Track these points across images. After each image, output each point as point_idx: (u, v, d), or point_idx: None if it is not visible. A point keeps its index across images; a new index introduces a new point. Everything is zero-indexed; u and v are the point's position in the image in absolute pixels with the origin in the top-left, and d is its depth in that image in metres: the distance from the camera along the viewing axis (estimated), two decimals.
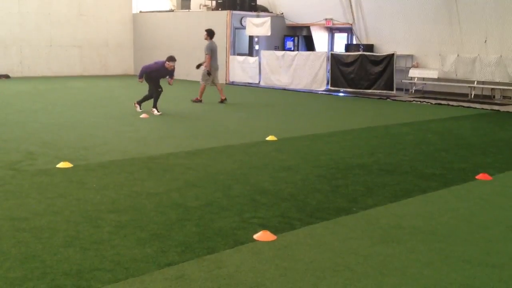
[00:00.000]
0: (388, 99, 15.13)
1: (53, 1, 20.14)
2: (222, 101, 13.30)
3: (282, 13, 20.16)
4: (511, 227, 4.58)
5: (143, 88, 11.50)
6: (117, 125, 9.54)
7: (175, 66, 11.42)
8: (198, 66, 13.56)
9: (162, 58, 11.81)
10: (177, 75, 20.40)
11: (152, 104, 11.12)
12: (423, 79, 16.30)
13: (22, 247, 3.87)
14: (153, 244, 3.99)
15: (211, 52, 13.14)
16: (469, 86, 15.31)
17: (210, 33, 13.37)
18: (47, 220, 4.48)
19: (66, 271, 3.49)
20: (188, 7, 21.38)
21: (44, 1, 19.91)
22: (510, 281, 3.53)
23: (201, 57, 20.17)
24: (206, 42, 13.47)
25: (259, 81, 18.14)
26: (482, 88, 15.31)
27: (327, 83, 16.70)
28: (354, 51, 16.92)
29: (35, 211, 4.69)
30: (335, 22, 18.72)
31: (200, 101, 13.31)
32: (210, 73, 13.16)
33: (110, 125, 9.56)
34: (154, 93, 11.16)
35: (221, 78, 19.10)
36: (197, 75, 20.08)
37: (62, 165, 6.34)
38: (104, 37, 21.64)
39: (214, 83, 13.37)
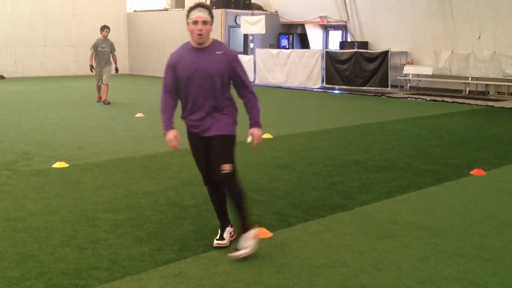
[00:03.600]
0: (383, 96, 15.17)
1: (47, 1, 20.09)
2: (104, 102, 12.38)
3: (276, 11, 20.18)
4: (505, 222, 4.62)
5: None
6: (112, 125, 9.54)
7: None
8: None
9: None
10: None
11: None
12: (418, 75, 16.37)
13: (19, 247, 3.88)
14: (150, 242, 4.01)
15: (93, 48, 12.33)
16: (463, 82, 15.39)
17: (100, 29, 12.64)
18: (43, 220, 4.49)
19: (63, 271, 3.50)
20: (183, 6, 21.37)
21: (38, 1, 19.86)
22: (504, 275, 3.57)
23: None
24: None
25: (254, 79, 18.15)
26: (477, 84, 15.38)
27: (322, 81, 16.73)
28: (349, 48, 16.96)
29: (32, 211, 4.70)
30: (330, 19, 18.75)
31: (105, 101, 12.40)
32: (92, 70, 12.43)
33: (105, 124, 9.56)
34: None
35: None
36: None
37: (58, 165, 6.35)
38: (99, 37, 21.59)
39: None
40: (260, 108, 3.96)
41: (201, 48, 3.76)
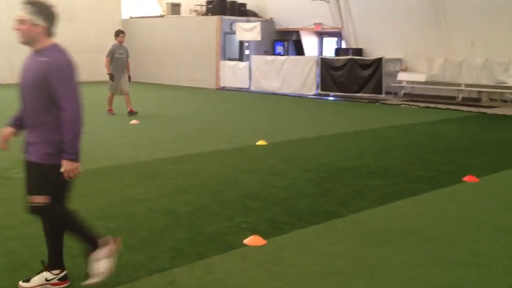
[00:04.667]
0: (377, 103, 15.22)
1: None
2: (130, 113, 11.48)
3: (272, 18, 20.24)
4: (498, 228, 4.64)
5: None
6: (107, 131, 9.52)
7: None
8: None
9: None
10: (168, 80, 20.49)
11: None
12: (412, 82, 16.43)
13: (10, 256, 3.86)
14: (143, 250, 4.00)
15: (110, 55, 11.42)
16: (456, 89, 15.46)
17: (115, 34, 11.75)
18: (35, 228, 4.44)
19: None
20: (178, 13, 21.40)
21: None
22: (497, 281, 3.57)
23: (192, 61, 20.30)
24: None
25: (250, 86, 18.18)
26: (470, 91, 15.45)
27: (317, 87, 16.77)
28: (343, 55, 17.01)
29: (24, 219, 4.66)
30: (325, 26, 18.82)
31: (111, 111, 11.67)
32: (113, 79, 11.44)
33: (99, 131, 9.53)
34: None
35: (211, 83, 19.18)
36: (188, 80, 20.16)
37: None
38: (94, 43, 21.57)
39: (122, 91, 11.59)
40: (77, 133, 3.37)
41: (36, 52, 3.27)
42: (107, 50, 11.51)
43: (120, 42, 11.52)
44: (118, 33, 11.66)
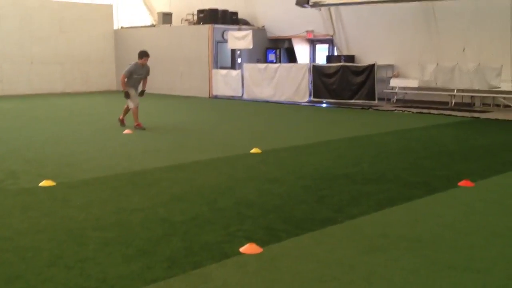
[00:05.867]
0: (370, 109, 15.27)
1: (34, 18, 20.04)
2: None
3: (263, 26, 20.32)
4: (495, 233, 4.64)
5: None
6: (100, 141, 9.48)
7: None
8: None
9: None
10: (160, 89, 20.47)
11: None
12: (404, 88, 16.52)
13: (5, 267, 3.81)
14: (138, 260, 3.97)
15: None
16: (449, 94, 15.55)
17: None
18: (30, 239, 4.42)
19: None
20: (170, 22, 21.43)
21: (25, 18, 19.80)
22: (494, 286, 3.57)
23: (184, 70, 20.30)
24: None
25: (242, 94, 18.20)
26: (462, 96, 15.55)
27: (310, 95, 16.81)
28: (336, 62, 17.08)
29: (18, 231, 4.63)
30: (316, 34, 18.92)
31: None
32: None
33: (93, 141, 9.49)
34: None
35: (204, 92, 19.18)
36: (180, 90, 20.15)
37: (45, 183, 6.27)
38: (86, 54, 21.55)
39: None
40: None
41: None
42: (125, 68, 10.97)
43: (143, 64, 10.95)
44: (142, 56, 10.95)
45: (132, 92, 11.00)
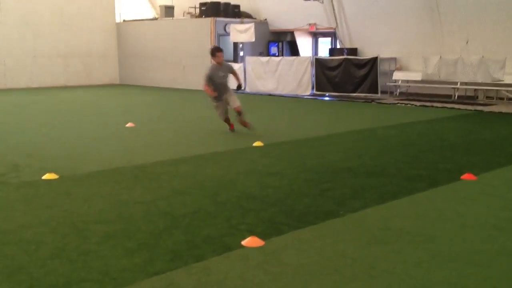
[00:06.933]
0: (373, 102, 15.24)
1: (36, 12, 20.03)
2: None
3: (265, 19, 20.26)
4: (497, 226, 4.64)
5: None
6: (102, 135, 9.49)
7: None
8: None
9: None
10: (163, 83, 20.47)
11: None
12: (407, 81, 16.46)
13: (8, 260, 3.83)
14: (141, 253, 3.98)
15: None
16: (452, 87, 15.50)
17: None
18: (33, 232, 4.44)
19: (54, 284, 3.45)
20: (172, 15, 21.39)
21: (26, 12, 19.79)
22: (497, 279, 3.57)
23: (186, 64, 20.27)
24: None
25: (245, 87, 18.16)
26: (465, 89, 15.50)
27: (312, 88, 16.78)
28: (338, 55, 17.03)
29: (21, 224, 4.65)
30: (319, 26, 18.85)
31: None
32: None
33: (95, 135, 9.50)
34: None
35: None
36: (182, 83, 20.13)
37: (47, 176, 6.29)
38: (88, 47, 21.55)
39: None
40: None
41: None
42: (204, 75, 9.37)
43: (219, 63, 9.35)
44: (214, 52, 9.37)
45: (227, 97, 9.42)
